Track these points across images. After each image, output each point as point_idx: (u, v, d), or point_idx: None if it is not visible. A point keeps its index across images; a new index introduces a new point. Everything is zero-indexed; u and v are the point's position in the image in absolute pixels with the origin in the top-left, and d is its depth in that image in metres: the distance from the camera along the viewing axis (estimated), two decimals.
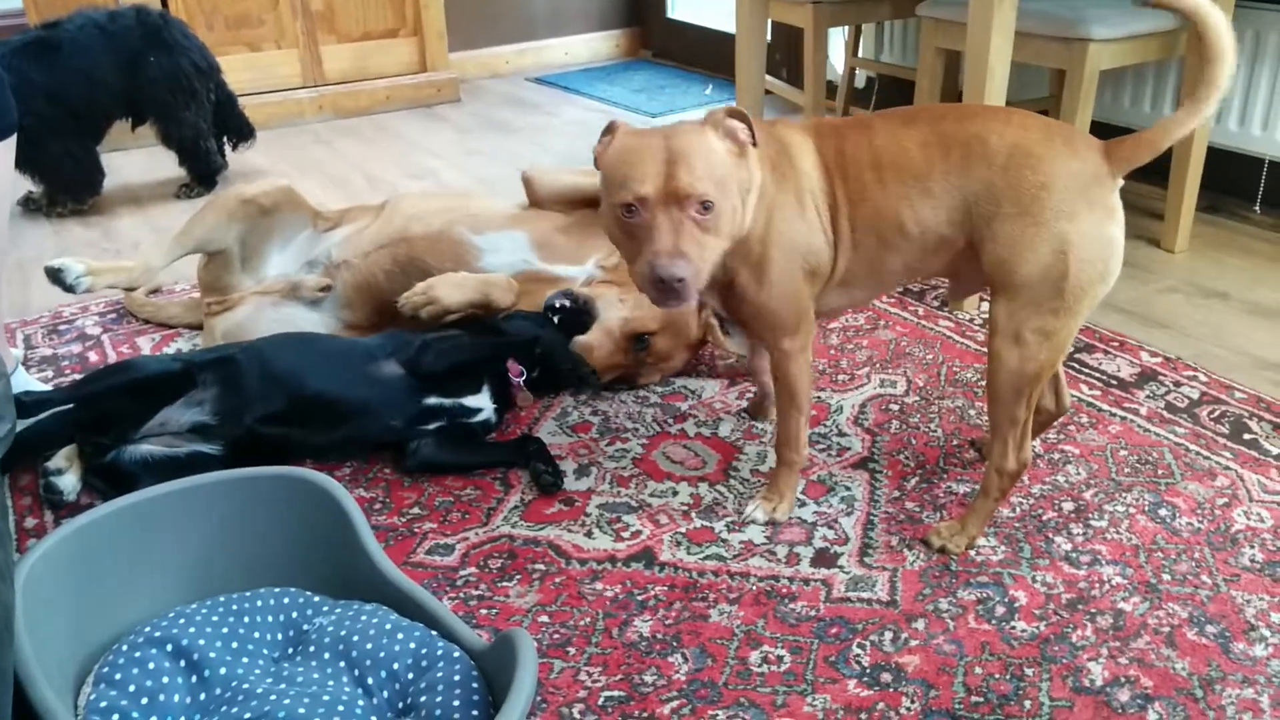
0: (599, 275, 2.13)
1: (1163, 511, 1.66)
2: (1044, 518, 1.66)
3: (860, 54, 3.69)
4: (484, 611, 1.50)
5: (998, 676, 1.35)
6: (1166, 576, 1.52)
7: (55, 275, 2.03)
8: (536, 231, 2.14)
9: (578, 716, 1.31)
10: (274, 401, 1.76)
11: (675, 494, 1.75)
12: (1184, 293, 2.43)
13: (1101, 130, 2.85)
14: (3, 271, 2.02)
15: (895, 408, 1.99)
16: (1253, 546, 1.58)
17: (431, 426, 1.84)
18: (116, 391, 1.73)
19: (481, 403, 1.89)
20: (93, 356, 2.25)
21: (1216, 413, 1.93)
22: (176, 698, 1.21)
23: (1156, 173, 2.88)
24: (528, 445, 1.85)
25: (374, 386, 1.82)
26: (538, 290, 2.07)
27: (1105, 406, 1.96)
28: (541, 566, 1.59)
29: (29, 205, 3.17)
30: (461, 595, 1.53)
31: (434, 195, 2.25)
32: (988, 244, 1.44)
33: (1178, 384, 2.03)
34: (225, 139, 3.39)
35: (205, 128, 3.24)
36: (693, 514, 1.70)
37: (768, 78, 3.21)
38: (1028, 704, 1.31)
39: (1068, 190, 1.39)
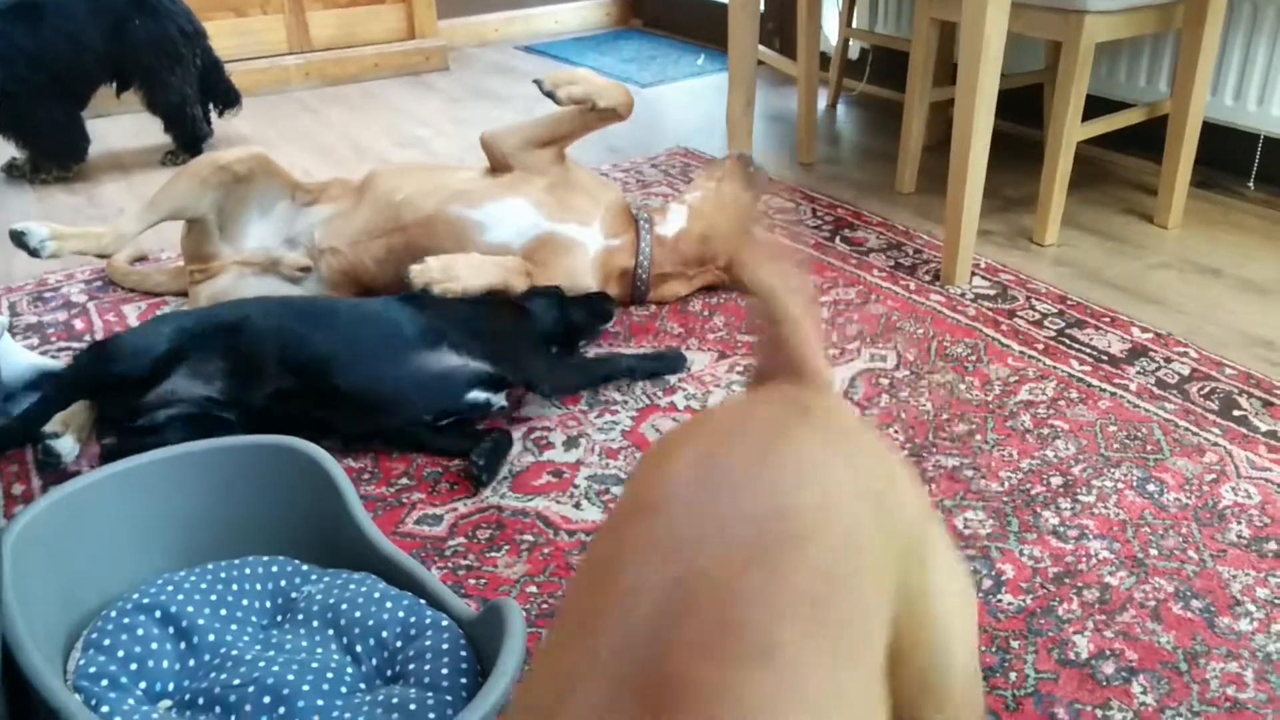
0: (608, 238, 2.18)
1: (1151, 487, 1.67)
2: (1032, 492, 1.66)
3: (855, 24, 3.66)
4: (472, 581, 1.50)
5: (984, 649, 1.36)
6: (1153, 551, 1.53)
7: (19, 239, 2.00)
8: (532, 194, 2.15)
9: None
10: (285, 381, 1.72)
11: None
12: (1176, 269, 2.43)
13: (1098, 105, 2.86)
14: None
15: (885, 381, 1.99)
16: (1240, 522, 1.58)
17: (444, 422, 1.80)
18: (96, 384, 1.71)
19: (499, 399, 1.85)
20: (78, 324, 2.23)
21: (1207, 389, 1.93)
22: (165, 663, 1.21)
23: (1150, 147, 2.89)
24: (485, 437, 1.77)
25: (418, 378, 1.75)
26: (552, 260, 2.06)
27: (1095, 382, 1.96)
28: (530, 537, 1.59)
29: (12, 171, 3.14)
30: (450, 565, 1.53)
31: (410, 171, 2.22)
32: (918, 636, 0.80)
33: (1168, 360, 2.03)
34: (211, 105, 3.35)
35: (191, 94, 3.20)
36: None
37: (760, 48, 3.18)
38: (1013, 676, 1.32)
39: (911, 480, 0.83)
